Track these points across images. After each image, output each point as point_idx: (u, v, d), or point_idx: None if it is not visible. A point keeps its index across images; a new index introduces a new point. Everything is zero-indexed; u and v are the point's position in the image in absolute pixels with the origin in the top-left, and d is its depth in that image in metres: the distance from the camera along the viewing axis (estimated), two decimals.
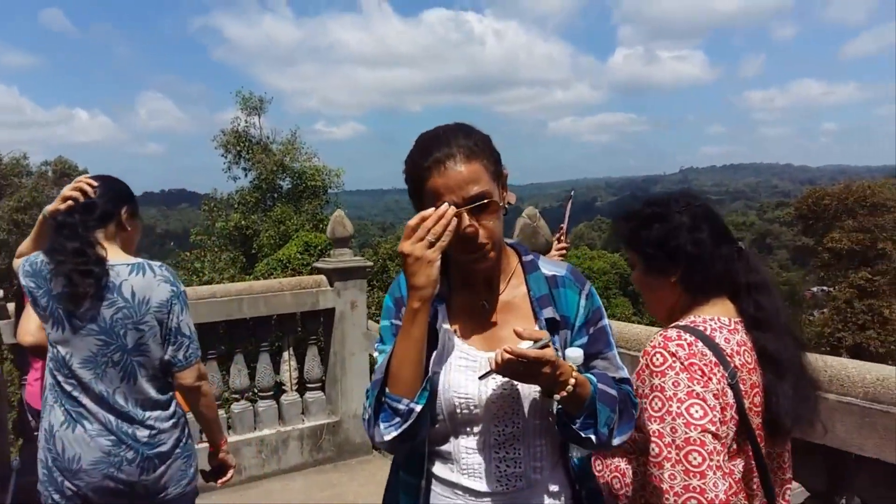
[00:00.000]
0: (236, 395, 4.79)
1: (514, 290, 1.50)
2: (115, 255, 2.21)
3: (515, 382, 1.38)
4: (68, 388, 2.18)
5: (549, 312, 1.45)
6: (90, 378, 2.16)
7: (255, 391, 4.90)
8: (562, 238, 3.54)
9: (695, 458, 1.35)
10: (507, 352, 1.23)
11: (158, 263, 2.28)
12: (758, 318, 1.56)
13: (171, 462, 2.26)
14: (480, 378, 1.35)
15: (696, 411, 1.38)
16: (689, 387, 1.41)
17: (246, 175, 23.55)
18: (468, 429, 1.44)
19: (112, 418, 2.18)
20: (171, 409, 2.30)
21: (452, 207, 1.31)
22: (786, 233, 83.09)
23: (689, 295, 1.61)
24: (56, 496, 2.20)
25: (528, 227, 3.09)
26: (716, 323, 1.54)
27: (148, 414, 2.23)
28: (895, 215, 29.67)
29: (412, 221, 1.31)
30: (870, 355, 24.97)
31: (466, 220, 1.34)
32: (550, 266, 1.53)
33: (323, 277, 5.00)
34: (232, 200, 23.01)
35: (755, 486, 1.53)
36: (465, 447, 1.44)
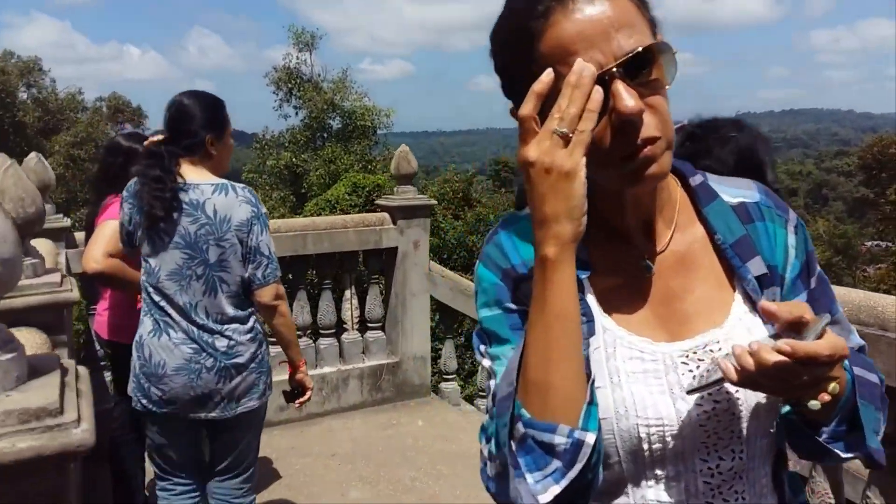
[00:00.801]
0: (299, 332, 4.74)
1: (686, 236, 0.94)
2: (201, 176, 2.33)
3: (736, 389, 0.86)
4: (157, 298, 2.32)
5: (756, 266, 0.92)
6: (175, 290, 2.29)
7: (318, 328, 4.86)
8: None
9: None
10: (781, 351, 0.74)
11: (242, 185, 2.38)
12: None
13: (247, 374, 2.37)
14: (691, 393, 0.83)
15: None
16: None
17: (297, 113, 23.47)
18: (660, 471, 0.88)
19: (194, 329, 2.31)
20: (250, 323, 2.40)
21: (593, 68, 0.76)
22: (844, 183, 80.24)
23: None
24: (144, 401, 2.36)
25: None
26: None
27: (227, 326, 2.34)
28: None
29: (526, 107, 0.79)
30: None
31: (623, 92, 0.77)
32: (732, 188, 0.98)
33: (386, 215, 4.87)
34: (283, 139, 23.02)
35: None
36: (657, 501, 0.89)
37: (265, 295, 2.36)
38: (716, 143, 1.60)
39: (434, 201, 5.23)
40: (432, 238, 6.17)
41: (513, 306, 0.91)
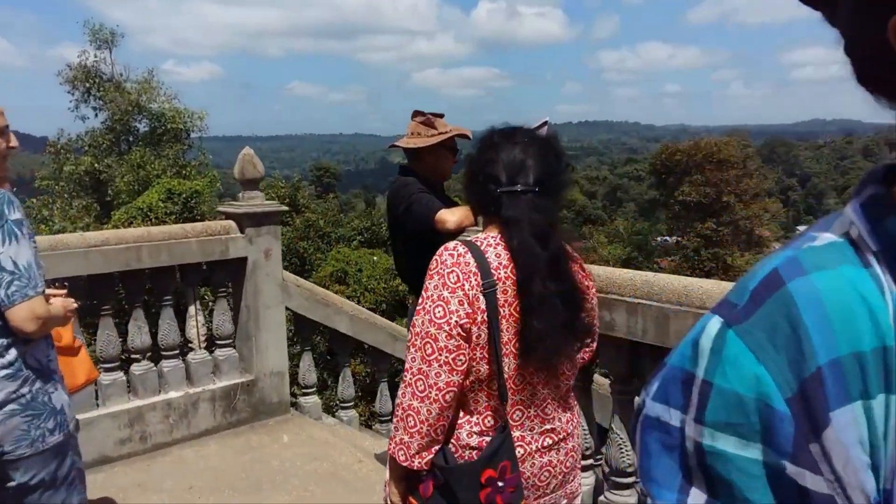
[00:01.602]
0: (137, 356, 4.26)
1: None
2: None
3: None
4: None
5: None
6: None
7: (160, 350, 4.39)
8: None
9: (429, 348, 1.59)
10: None
11: None
12: (510, 251, 1.66)
13: (4, 418, 2.03)
14: None
15: (439, 311, 1.59)
16: (440, 291, 1.61)
17: (97, 115, 21.38)
18: None
19: None
20: (7, 357, 2.05)
21: None
22: (634, 187, 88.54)
23: (486, 216, 1.80)
24: None
25: None
26: (495, 240, 1.68)
27: None
28: (738, 171, 32.25)
29: None
30: None
31: None
32: None
33: (232, 223, 4.51)
34: (81, 143, 20.86)
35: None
36: None
37: (16, 317, 2.01)
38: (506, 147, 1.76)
39: (285, 207, 4.94)
40: None
41: (790, 468, 0.46)
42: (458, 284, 1.61)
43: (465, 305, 1.60)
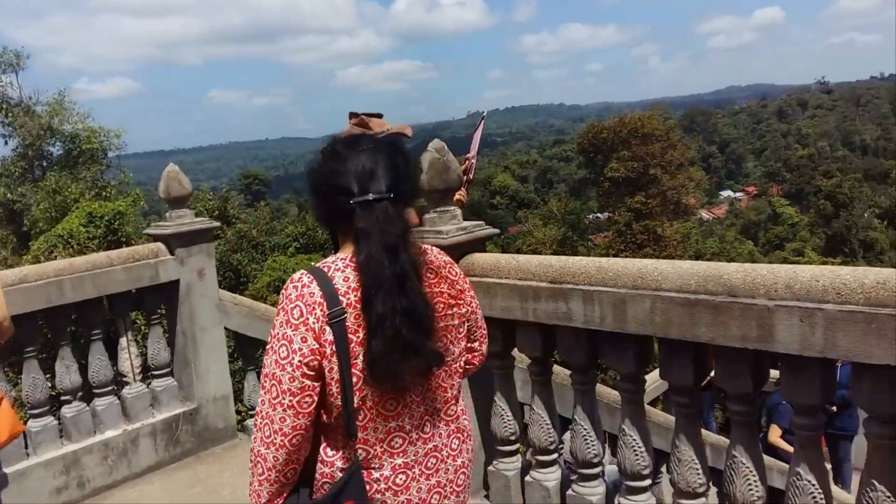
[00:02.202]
0: (67, 398, 3.97)
1: None
2: None
3: None
4: None
5: None
6: None
7: (92, 388, 4.10)
8: (469, 170, 3.24)
9: (274, 391, 1.52)
10: None
11: None
12: (357, 265, 1.57)
13: None
14: None
15: (283, 351, 1.52)
16: (284, 329, 1.53)
17: (6, 143, 20.33)
18: None
19: None
20: None
21: None
22: (564, 168, 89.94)
23: (339, 234, 1.70)
24: None
25: (439, 163, 2.73)
26: (344, 262, 1.59)
27: None
28: (663, 143, 33.09)
29: None
30: None
31: None
32: None
33: (161, 245, 4.25)
34: None
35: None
36: None
37: None
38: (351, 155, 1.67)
39: (216, 223, 4.69)
40: None
41: None
42: (302, 319, 1.52)
43: (311, 341, 1.51)
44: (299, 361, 1.51)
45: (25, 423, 3.73)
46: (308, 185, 1.71)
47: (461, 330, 1.74)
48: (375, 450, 1.60)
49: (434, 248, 1.76)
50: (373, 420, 1.58)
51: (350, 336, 1.53)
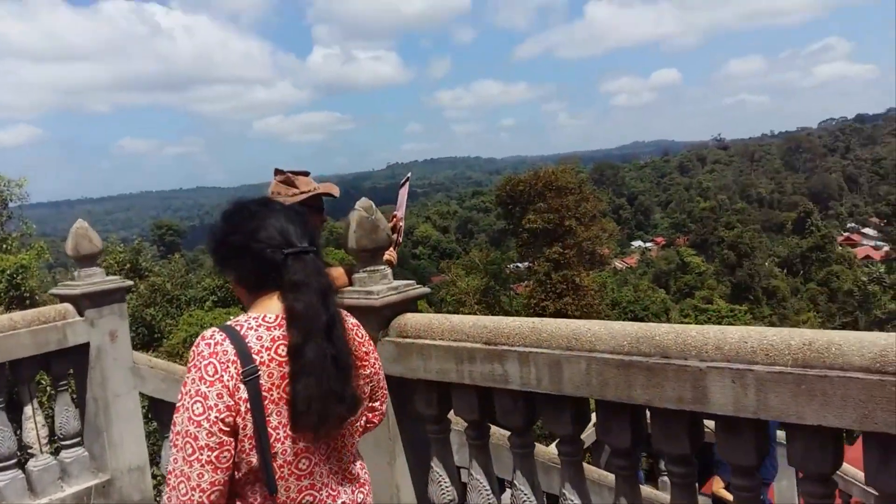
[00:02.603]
0: None
1: None
2: None
3: None
4: None
5: None
6: None
7: None
8: (398, 232, 3.22)
9: (189, 448, 1.52)
10: None
11: None
12: (290, 314, 1.62)
13: None
14: None
15: (198, 408, 1.52)
16: (197, 385, 1.54)
17: None
18: None
19: None
20: None
21: None
22: (483, 219, 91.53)
23: (250, 293, 1.73)
24: None
25: (367, 222, 2.71)
26: (257, 321, 1.63)
27: None
28: (576, 196, 34.19)
29: None
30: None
31: None
32: None
33: (69, 306, 4.02)
34: None
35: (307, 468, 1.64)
36: None
37: None
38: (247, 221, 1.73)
39: (130, 282, 4.48)
40: None
41: None
42: (217, 376, 1.55)
43: (226, 398, 1.54)
44: (216, 417, 1.52)
45: None
46: (221, 247, 1.75)
47: (366, 390, 1.83)
48: None
49: (341, 310, 1.80)
50: (284, 479, 1.61)
51: (264, 394, 1.56)
